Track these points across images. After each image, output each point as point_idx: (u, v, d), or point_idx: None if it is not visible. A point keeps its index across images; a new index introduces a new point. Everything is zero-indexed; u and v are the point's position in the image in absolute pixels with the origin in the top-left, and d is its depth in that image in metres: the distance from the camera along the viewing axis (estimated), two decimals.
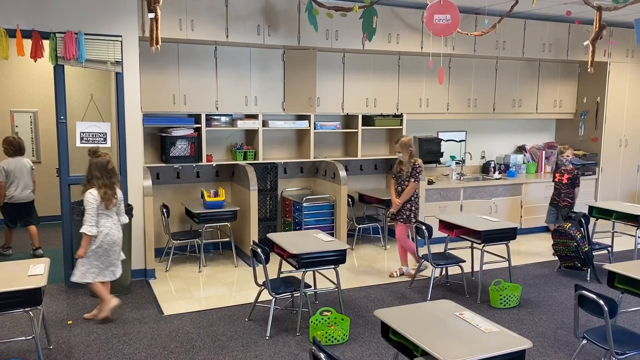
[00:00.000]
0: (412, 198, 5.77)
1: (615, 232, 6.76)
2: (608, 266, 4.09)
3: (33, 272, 3.83)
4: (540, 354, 4.22)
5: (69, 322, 4.66)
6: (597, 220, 6.62)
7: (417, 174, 5.71)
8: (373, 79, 7.05)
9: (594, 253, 5.94)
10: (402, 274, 5.93)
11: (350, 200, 6.84)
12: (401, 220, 5.79)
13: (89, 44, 5.21)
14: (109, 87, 6.02)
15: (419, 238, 5.47)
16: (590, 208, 6.63)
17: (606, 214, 6.47)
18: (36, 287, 3.64)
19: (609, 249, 6.27)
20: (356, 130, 7.00)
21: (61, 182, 5.38)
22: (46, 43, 5.14)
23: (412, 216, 5.77)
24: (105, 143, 5.48)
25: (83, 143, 5.42)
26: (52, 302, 5.09)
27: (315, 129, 6.78)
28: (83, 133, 5.41)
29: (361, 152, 7.07)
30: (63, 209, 5.40)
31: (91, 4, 5.25)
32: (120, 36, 5.36)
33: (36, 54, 5.07)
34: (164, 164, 6.21)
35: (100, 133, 5.47)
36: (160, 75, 6.06)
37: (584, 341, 3.65)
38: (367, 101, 7.05)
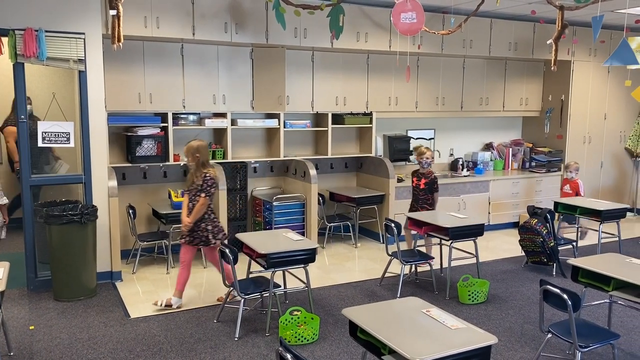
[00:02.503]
0: (207, 216, 4.86)
1: (580, 227, 6.90)
2: (572, 261, 4.16)
3: None
4: (507, 348, 4.27)
5: (31, 327, 4.53)
6: (562, 215, 6.74)
7: (208, 188, 4.76)
8: (342, 78, 7.05)
9: (559, 248, 6.05)
10: (168, 305, 4.91)
11: (321, 198, 6.83)
12: (201, 243, 4.91)
13: (50, 42, 5.08)
14: (72, 85, 5.87)
15: (389, 236, 5.49)
16: (556, 204, 6.75)
17: (571, 209, 6.60)
18: None
19: (574, 244, 6.39)
20: (326, 128, 6.99)
21: (22, 184, 5.24)
22: (5, 40, 4.99)
23: (210, 237, 4.88)
24: (69, 143, 5.36)
25: (45, 143, 5.29)
26: (13, 306, 4.95)
27: (285, 127, 6.74)
28: (45, 133, 5.28)
29: (331, 150, 7.07)
30: (25, 211, 5.26)
31: (52, 0, 5.11)
32: (83, 33, 5.24)
33: None
34: (129, 164, 6.10)
35: (63, 133, 5.34)
36: (125, 74, 5.95)
37: (549, 335, 3.71)
38: (337, 100, 7.04)
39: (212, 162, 6.27)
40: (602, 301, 4.72)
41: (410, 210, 6.33)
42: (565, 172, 7.31)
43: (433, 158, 6.27)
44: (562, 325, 3.69)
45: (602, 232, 6.43)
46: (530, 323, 4.74)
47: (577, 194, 7.10)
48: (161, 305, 4.90)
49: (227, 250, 4.36)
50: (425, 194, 6.18)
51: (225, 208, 6.08)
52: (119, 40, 4.80)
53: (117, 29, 4.76)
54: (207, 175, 4.79)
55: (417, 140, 7.94)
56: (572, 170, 7.16)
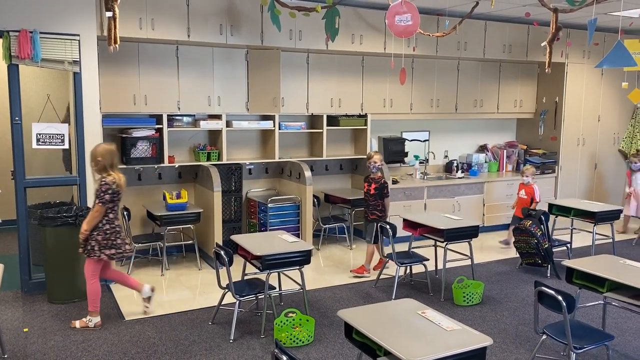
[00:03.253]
0: (100, 225, 4.49)
1: (574, 228, 6.93)
2: (567, 262, 4.18)
3: None
4: (502, 350, 4.28)
5: (25, 329, 4.51)
6: (556, 217, 6.77)
7: (101, 195, 4.42)
8: (337, 79, 7.06)
9: (553, 250, 6.08)
10: (83, 327, 4.57)
11: (315, 200, 6.83)
12: (86, 253, 4.55)
13: (45, 43, 5.06)
14: (67, 87, 5.85)
15: (384, 237, 5.49)
16: (550, 205, 6.78)
17: (565, 211, 6.63)
18: None
19: (568, 245, 6.42)
20: (321, 130, 6.99)
21: (17, 185, 5.21)
22: None
23: (96, 248, 4.48)
24: (63, 145, 5.34)
25: (40, 145, 5.27)
26: (7, 309, 4.93)
27: (280, 129, 6.74)
28: (40, 134, 5.25)
29: (326, 152, 7.07)
30: (19, 212, 5.23)
31: (47, 2, 5.09)
32: (78, 35, 5.22)
33: None
34: (124, 166, 6.07)
35: (57, 134, 5.32)
36: (120, 75, 5.94)
37: (544, 336, 3.72)
38: (332, 101, 7.05)
39: (206, 164, 6.27)
40: (597, 302, 4.74)
41: (363, 216, 6.15)
42: (522, 177, 7.05)
43: (382, 162, 6.00)
44: (557, 327, 3.70)
45: (596, 233, 6.46)
46: (525, 324, 4.76)
47: (533, 199, 6.84)
48: (78, 326, 4.58)
49: (222, 252, 4.36)
50: (375, 199, 5.91)
51: (220, 210, 6.08)
52: (115, 42, 4.79)
53: (113, 30, 4.75)
54: (104, 180, 4.44)
55: (412, 142, 7.96)
56: (528, 175, 6.89)
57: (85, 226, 4.49)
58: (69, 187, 5.89)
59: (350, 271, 6.02)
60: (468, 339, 2.87)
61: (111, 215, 4.54)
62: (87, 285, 4.60)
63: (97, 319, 4.61)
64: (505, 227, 8.09)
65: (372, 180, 5.94)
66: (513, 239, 6.84)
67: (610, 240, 6.61)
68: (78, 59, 5.23)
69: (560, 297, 3.41)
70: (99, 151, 4.50)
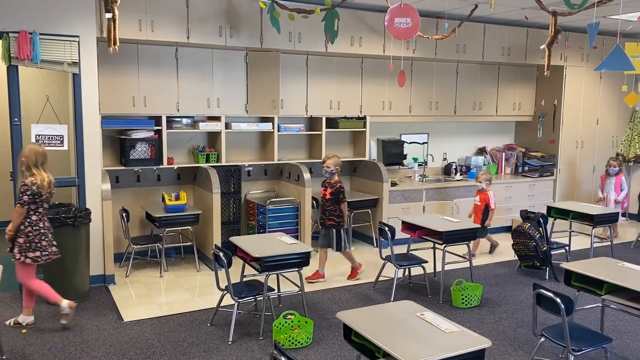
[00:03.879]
0: (22, 227, 4.35)
1: (573, 231, 6.94)
2: (565, 265, 4.19)
3: None
4: (501, 352, 4.28)
5: (24, 330, 4.51)
6: (555, 220, 6.78)
7: (20, 195, 4.31)
8: (337, 82, 7.06)
9: (552, 252, 6.08)
10: (17, 324, 4.57)
11: (314, 202, 6.83)
12: (11, 254, 4.45)
13: (45, 44, 5.06)
14: (66, 88, 5.86)
15: (383, 239, 5.50)
16: (549, 208, 6.79)
17: (564, 214, 6.64)
18: None
19: (567, 248, 6.43)
20: (320, 132, 7.00)
21: (15, 187, 5.20)
22: None
23: (16, 251, 4.39)
24: (62, 146, 5.34)
25: None
26: (6, 310, 4.92)
27: (279, 131, 6.75)
28: (39, 135, 5.26)
29: (325, 154, 7.06)
30: None
31: (47, 3, 5.10)
32: (78, 36, 5.22)
33: None
34: (123, 167, 6.09)
35: (56, 135, 5.32)
36: (119, 77, 5.94)
37: (543, 339, 3.72)
38: (331, 103, 7.06)
39: (205, 165, 6.27)
40: (595, 305, 4.75)
41: (319, 222, 5.98)
42: (476, 183, 6.84)
43: (338, 167, 5.71)
44: (555, 329, 3.70)
45: (594, 236, 6.47)
46: (524, 327, 4.76)
47: (487, 206, 6.62)
48: (9, 324, 4.57)
49: (220, 254, 4.36)
50: (331, 204, 5.73)
51: (218, 211, 6.08)
52: (114, 44, 4.80)
53: (112, 32, 4.76)
54: (24, 181, 4.32)
55: (411, 145, 7.97)
56: (482, 181, 6.67)
57: (9, 227, 4.38)
58: (67, 188, 5.88)
59: (306, 278, 5.55)
60: (466, 341, 2.88)
61: (34, 217, 4.39)
62: (28, 287, 4.51)
63: (30, 319, 4.59)
64: (504, 229, 8.10)
65: (329, 185, 5.77)
66: (498, 243, 7.04)
67: (609, 243, 6.62)
68: (77, 60, 5.23)
69: (558, 300, 3.41)
70: (23, 151, 4.42)
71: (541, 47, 6.06)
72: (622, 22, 7.15)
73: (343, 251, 5.84)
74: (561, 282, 4.59)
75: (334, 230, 5.76)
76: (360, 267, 5.98)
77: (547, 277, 6.05)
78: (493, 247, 7.03)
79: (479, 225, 6.24)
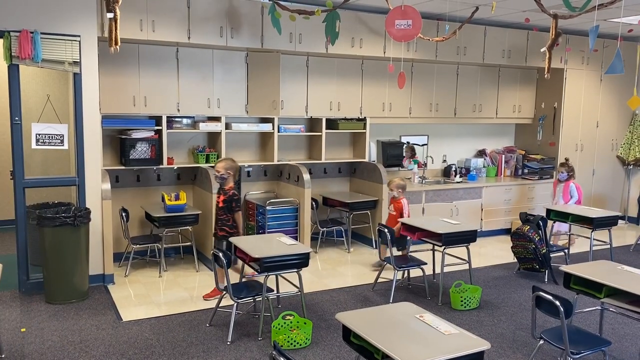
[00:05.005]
0: None
1: (572, 234, 6.95)
2: (564, 268, 4.19)
3: None
4: (500, 354, 4.29)
5: (23, 329, 4.51)
6: (554, 222, 6.78)
7: None
8: (337, 83, 7.07)
9: (551, 255, 6.09)
10: None
11: (314, 203, 6.84)
12: None
13: (46, 44, 5.07)
14: (67, 87, 5.86)
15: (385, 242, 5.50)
16: (548, 211, 6.79)
17: (563, 216, 6.64)
18: None
19: (566, 250, 6.43)
20: (320, 133, 7.01)
21: (15, 186, 5.21)
22: (0, 42, 4.97)
23: None
24: (63, 145, 5.34)
25: (39, 145, 5.27)
26: (5, 309, 4.92)
27: (279, 132, 6.75)
28: (39, 135, 5.26)
29: (325, 155, 7.08)
30: (17, 213, 5.23)
31: (48, 2, 5.10)
32: (79, 36, 5.23)
33: None
34: (123, 167, 6.09)
35: (57, 135, 5.33)
36: (120, 76, 5.94)
37: (541, 341, 3.73)
38: (331, 105, 7.06)
39: (205, 166, 6.28)
40: (594, 308, 4.75)
41: (212, 233, 5.48)
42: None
43: (230, 172, 5.19)
44: (554, 332, 3.71)
45: (593, 239, 6.48)
46: (522, 329, 4.76)
47: (401, 215, 6.11)
48: None
49: (220, 254, 4.36)
50: (224, 213, 5.21)
51: None
52: (116, 43, 4.80)
53: (114, 32, 4.76)
54: None
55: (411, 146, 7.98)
56: (394, 189, 6.16)
57: None
58: (67, 187, 5.88)
59: (203, 297, 5.28)
60: (466, 343, 2.88)
61: None
62: None
63: None
64: (503, 231, 8.11)
65: (222, 192, 5.25)
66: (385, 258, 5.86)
67: (608, 246, 6.62)
68: (78, 60, 5.24)
69: (558, 303, 3.42)
70: None
71: (542, 50, 6.06)
72: (622, 25, 7.15)
73: (232, 267, 5.01)
74: (560, 285, 4.60)
75: (225, 242, 5.17)
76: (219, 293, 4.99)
77: (546, 280, 6.05)
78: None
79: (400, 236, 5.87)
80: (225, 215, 5.24)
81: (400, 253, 5.99)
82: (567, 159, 7.55)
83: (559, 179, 7.32)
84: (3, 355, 4.03)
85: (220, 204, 5.23)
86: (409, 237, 5.84)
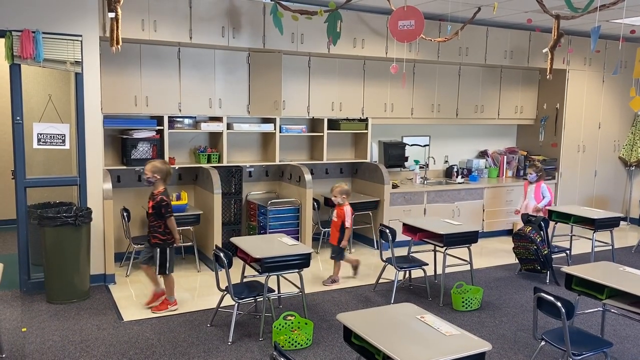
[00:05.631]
0: None
1: (574, 235, 6.93)
2: (566, 269, 4.18)
3: None
4: (501, 355, 4.28)
5: (23, 329, 4.51)
6: (556, 223, 6.77)
7: None
8: (339, 83, 7.06)
9: (553, 256, 6.07)
10: None
11: (315, 204, 6.83)
12: None
13: (47, 43, 5.07)
14: (69, 87, 5.86)
15: (383, 242, 5.49)
16: (550, 212, 6.78)
17: (565, 217, 6.63)
18: None
19: (568, 252, 6.42)
20: (322, 134, 7.00)
21: (17, 185, 5.21)
22: (2, 41, 4.98)
23: None
24: (64, 145, 5.34)
25: (40, 145, 5.28)
26: (6, 308, 4.92)
27: (280, 132, 6.75)
28: (40, 134, 5.26)
29: (327, 155, 7.07)
30: (19, 212, 5.23)
31: (50, 2, 5.11)
32: (80, 36, 5.23)
33: None
34: (124, 167, 6.09)
35: (58, 134, 5.33)
36: (121, 76, 5.94)
37: (543, 343, 3.72)
38: (333, 105, 7.06)
39: (206, 166, 6.28)
40: (596, 309, 4.74)
41: (146, 239, 5.12)
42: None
43: (157, 175, 4.82)
44: (556, 333, 3.70)
45: (595, 240, 6.47)
46: (524, 330, 4.75)
47: (343, 223, 5.73)
48: None
49: (221, 254, 4.36)
50: (155, 219, 4.86)
51: (219, 212, 6.07)
52: (117, 43, 4.80)
53: (115, 31, 4.76)
54: None
55: (413, 147, 7.96)
56: (337, 195, 5.74)
57: None
58: (69, 187, 5.88)
59: (151, 309, 4.97)
60: (467, 344, 2.87)
61: None
62: None
63: None
64: (505, 232, 8.09)
65: (151, 197, 4.90)
66: (358, 261, 6.09)
67: (610, 248, 6.61)
68: (80, 60, 5.24)
69: (559, 304, 3.41)
70: None
71: (544, 51, 6.05)
72: (624, 26, 7.13)
73: (167, 275, 4.93)
74: (562, 286, 4.59)
75: (158, 249, 4.88)
76: (172, 304, 4.99)
77: (547, 281, 6.04)
78: (355, 268, 6.07)
79: (338, 246, 5.74)
80: (156, 222, 4.87)
81: (337, 264, 5.85)
82: (533, 159, 7.36)
83: (529, 180, 7.12)
84: (4, 355, 4.03)
85: (149, 210, 4.90)
86: (343, 246, 5.75)
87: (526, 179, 7.27)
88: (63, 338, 4.36)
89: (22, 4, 5.00)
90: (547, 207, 6.94)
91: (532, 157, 8.63)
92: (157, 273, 4.97)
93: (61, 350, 4.15)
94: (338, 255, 5.84)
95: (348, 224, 5.75)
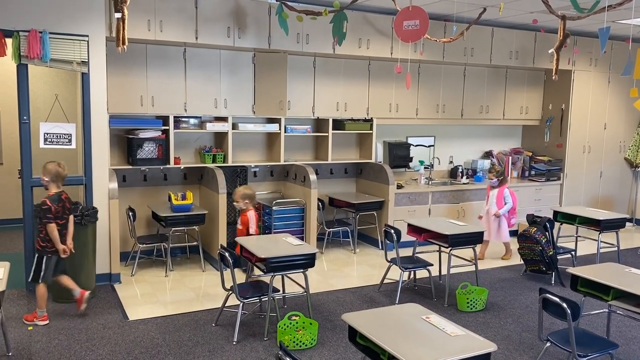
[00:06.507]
0: None
1: (579, 236, 6.91)
2: (571, 270, 4.17)
3: None
4: (506, 356, 4.27)
5: (30, 328, 4.53)
6: (561, 224, 6.75)
7: None
8: (344, 84, 7.07)
9: (558, 257, 6.06)
10: None
11: (320, 204, 6.84)
12: None
13: (54, 43, 5.09)
14: (75, 87, 5.89)
15: (388, 242, 5.49)
16: (555, 213, 6.76)
17: (570, 218, 6.61)
18: None
19: (573, 253, 6.40)
20: (327, 134, 7.01)
21: (23, 184, 5.24)
22: (9, 41, 5.00)
23: None
24: (70, 144, 5.36)
25: (47, 144, 5.30)
26: (12, 307, 4.95)
27: (285, 132, 6.76)
28: (47, 134, 5.29)
29: (331, 156, 7.08)
30: (25, 211, 5.25)
31: (57, 2, 5.13)
32: (87, 36, 5.25)
33: None
34: (130, 167, 6.11)
35: (64, 134, 5.35)
36: (127, 76, 5.96)
37: (548, 344, 3.71)
38: (338, 105, 7.06)
39: (211, 166, 6.29)
40: (601, 311, 4.72)
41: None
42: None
43: (45, 178, 4.59)
44: (561, 334, 3.69)
45: (601, 241, 6.45)
46: (529, 331, 4.75)
47: (248, 230, 5.27)
48: None
49: (226, 254, 4.37)
50: (39, 223, 4.58)
51: (224, 211, 6.09)
52: (123, 43, 4.81)
53: (122, 32, 4.78)
54: None
55: (417, 147, 7.96)
56: (239, 201, 5.29)
57: None
58: (75, 186, 5.90)
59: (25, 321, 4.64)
60: (472, 344, 2.87)
61: None
62: None
63: None
64: (510, 233, 8.06)
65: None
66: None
67: (615, 249, 6.59)
68: (86, 60, 5.26)
69: (565, 305, 3.40)
70: None
71: (549, 52, 6.04)
72: (633, 27, 7.11)
73: (38, 284, 4.60)
74: (567, 287, 4.59)
75: (36, 255, 4.64)
76: (41, 319, 4.61)
77: (552, 282, 6.03)
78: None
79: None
80: (40, 226, 4.60)
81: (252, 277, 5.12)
82: (494, 164, 7.01)
83: (491, 185, 6.83)
84: (10, 354, 4.05)
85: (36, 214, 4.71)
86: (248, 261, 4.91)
87: (488, 184, 6.96)
88: (69, 337, 4.38)
89: (29, 4, 5.03)
90: (510, 216, 6.78)
91: (538, 157, 8.60)
92: (30, 280, 4.68)
93: (67, 348, 4.17)
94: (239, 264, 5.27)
95: (253, 230, 5.22)
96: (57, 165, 4.63)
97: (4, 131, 7.68)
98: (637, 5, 5.46)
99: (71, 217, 4.78)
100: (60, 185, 4.67)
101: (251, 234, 5.22)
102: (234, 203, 5.46)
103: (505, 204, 6.74)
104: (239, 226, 5.35)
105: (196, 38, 5.92)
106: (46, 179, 4.61)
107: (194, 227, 6.19)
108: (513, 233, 7.99)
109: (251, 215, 5.26)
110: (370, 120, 7.26)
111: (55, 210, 4.55)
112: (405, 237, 5.83)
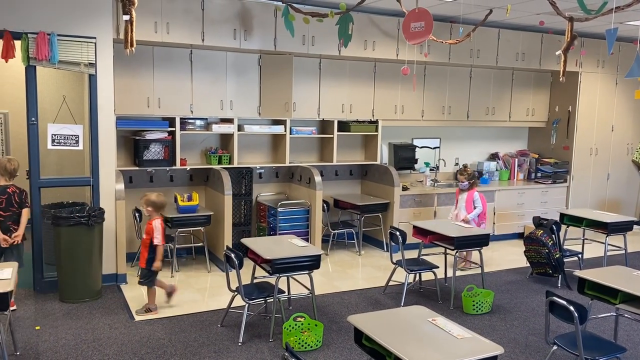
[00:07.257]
0: None
1: (586, 239, 6.88)
2: (578, 273, 4.16)
3: (0, 277, 3.74)
4: (512, 359, 4.26)
5: (37, 327, 4.55)
6: (568, 227, 6.72)
7: None
8: (349, 85, 7.07)
9: (564, 260, 6.04)
10: None
11: (325, 205, 6.84)
12: None
13: (62, 45, 5.12)
14: (82, 89, 5.92)
15: (393, 244, 5.48)
16: (562, 215, 6.74)
17: (577, 221, 6.58)
18: (3, 291, 3.56)
19: (580, 255, 6.37)
20: (332, 135, 7.01)
21: (31, 185, 5.27)
22: (18, 44, 5.04)
23: None
24: (77, 146, 5.39)
25: (55, 145, 5.33)
26: (20, 307, 4.97)
27: (291, 134, 6.76)
28: (55, 135, 5.32)
29: (337, 157, 7.08)
30: (33, 212, 5.28)
31: (65, 5, 5.16)
32: (95, 38, 5.28)
33: (7, 54, 4.98)
34: (137, 168, 6.13)
35: (72, 135, 5.38)
36: (134, 78, 5.99)
37: (555, 347, 3.69)
38: (343, 107, 7.06)
39: (217, 167, 6.30)
40: (609, 314, 4.70)
41: None
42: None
43: (8, 173, 4.89)
44: (568, 338, 3.67)
45: (608, 244, 6.42)
46: (535, 334, 4.73)
47: (151, 241, 4.87)
48: None
49: (232, 255, 4.38)
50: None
51: (230, 213, 6.10)
52: (131, 45, 4.83)
53: (130, 34, 4.80)
54: None
55: (423, 149, 7.95)
56: (143, 206, 5.02)
57: None
58: (82, 187, 5.93)
59: None
60: (479, 347, 2.87)
61: None
62: None
63: None
64: (516, 235, 8.05)
65: None
66: (174, 288, 5.16)
67: (623, 252, 6.56)
68: (94, 62, 5.29)
69: (572, 308, 3.39)
70: None
71: (557, 53, 6.02)
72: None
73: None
74: (574, 290, 4.57)
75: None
76: None
77: (559, 285, 6.00)
78: (169, 294, 5.12)
79: (148, 269, 4.86)
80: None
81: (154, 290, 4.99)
82: (465, 166, 6.75)
83: (461, 188, 6.51)
84: (18, 353, 4.07)
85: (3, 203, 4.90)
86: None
87: (458, 187, 6.65)
88: (76, 337, 4.40)
89: (37, 6, 5.06)
90: (480, 221, 6.43)
91: (544, 159, 8.57)
92: None
93: (74, 348, 4.19)
94: (147, 280, 4.91)
95: (157, 240, 4.81)
96: (6, 160, 5.00)
97: (12, 132, 7.71)
98: None
99: (24, 211, 5.00)
100: (8, 180, 4.98)
101: (156, 245, 4.82)
102: (141, 207, 5.23)
103: (475, 208, 6.40)
104: (144, 235, 4.96)
105: (202, 40, 5.94)
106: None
107: (200, 228, 6.20)
108: (519, 235, 7.97)
109: (156, 224, 4.84)
110: (376, 121, 7.26)
111: None
112: (411, 239, 5.81)
